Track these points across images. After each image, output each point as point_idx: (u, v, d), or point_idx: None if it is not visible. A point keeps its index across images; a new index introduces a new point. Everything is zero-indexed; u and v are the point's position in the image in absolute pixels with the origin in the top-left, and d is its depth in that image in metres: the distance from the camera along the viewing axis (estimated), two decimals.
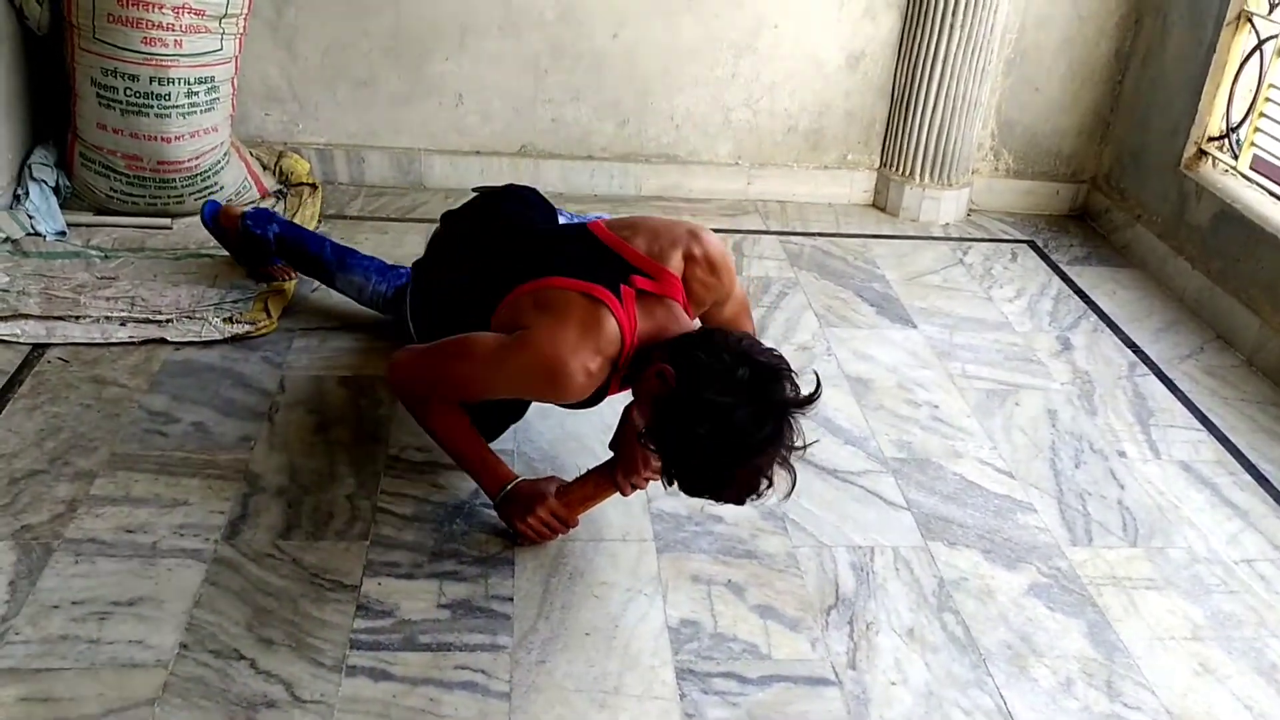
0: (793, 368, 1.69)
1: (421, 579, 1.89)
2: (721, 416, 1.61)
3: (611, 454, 1.98)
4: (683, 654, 1.78)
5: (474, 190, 2.28)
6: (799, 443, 1.66)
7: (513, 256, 1.96)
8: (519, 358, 1.79)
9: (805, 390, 1.68)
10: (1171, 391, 2.64)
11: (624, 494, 1.99)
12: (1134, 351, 2.82)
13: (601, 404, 1.97)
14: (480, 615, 1.82)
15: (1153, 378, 2.70)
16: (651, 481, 1.99)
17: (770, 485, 1.67)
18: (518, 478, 1.97)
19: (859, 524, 2.11)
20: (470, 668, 1.72)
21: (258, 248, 2.62)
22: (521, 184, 2.31)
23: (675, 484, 1.72)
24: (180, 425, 2.21)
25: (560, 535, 1.98)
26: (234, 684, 1.65)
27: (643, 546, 2.01)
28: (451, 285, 2.10)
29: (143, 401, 2.27)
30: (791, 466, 1.68)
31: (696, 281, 1.95)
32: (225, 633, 1.73)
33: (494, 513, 1.99)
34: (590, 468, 2.02)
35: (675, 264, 1.92)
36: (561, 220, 2.23)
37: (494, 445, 2.00)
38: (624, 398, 2.07)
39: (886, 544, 2.06)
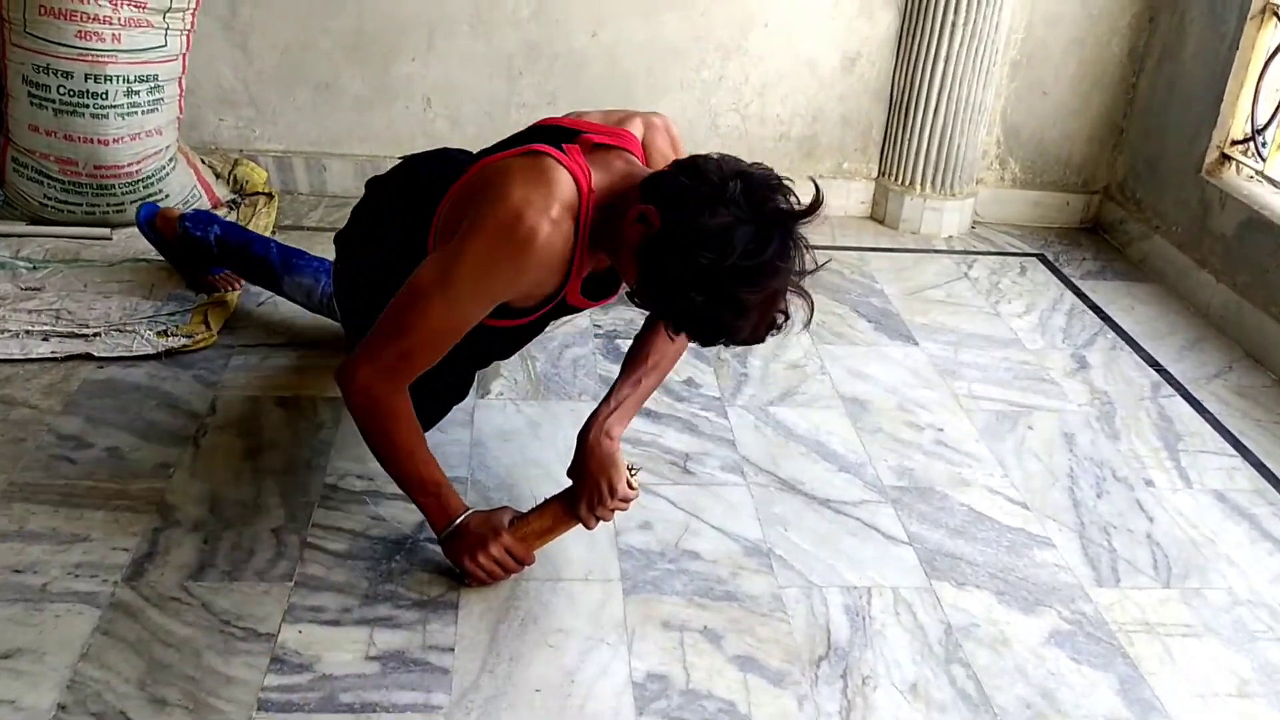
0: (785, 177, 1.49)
1: (349, 626, 1.64)
2: (721, 240, 1.40)
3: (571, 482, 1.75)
4: (648, 714, 1.53)
5: (401, 159, 2.04)
6: (810, 263, 1.47)
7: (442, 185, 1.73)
8: (473, 247, 1.53)
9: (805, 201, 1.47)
10: (1199, 414, 2.40)
11: (588, 527, 1.75)
12: (1156, 370, 2.57)
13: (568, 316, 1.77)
14: (414, 669, 1.57)
15: (1178, 398, 2.46)
16: (619, 511, 1.76)
17: (787, 316, 1.48)
18: (469, 510, 1.72)
19: (854, 561, 1.86)
20: None
21: (198, 252, 2.39)
22: (456, 147, 2.06)
23: (683, 336, 1.52)
24: (92, 451, 1.97)
25: (513, 575, 1.74)
26: None
27: (607, 587, 1.76)
28: (379, 250, 1.86)
29: (54, 424, 2.03)
30: (806, 291, 1.48)
31: (657, 151, 1.73)
32: (112, 691, 1.48)
33: (439, 549, 1.74)
34: (549, 495, 1.79)
35: (634, 128, 1.70)
36: None
37: (446, 471, 1.74)
38: (584, 412, 1.82)
39: (885, 584, 1.81)
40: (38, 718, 1.43)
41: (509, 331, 1.74)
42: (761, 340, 1.51)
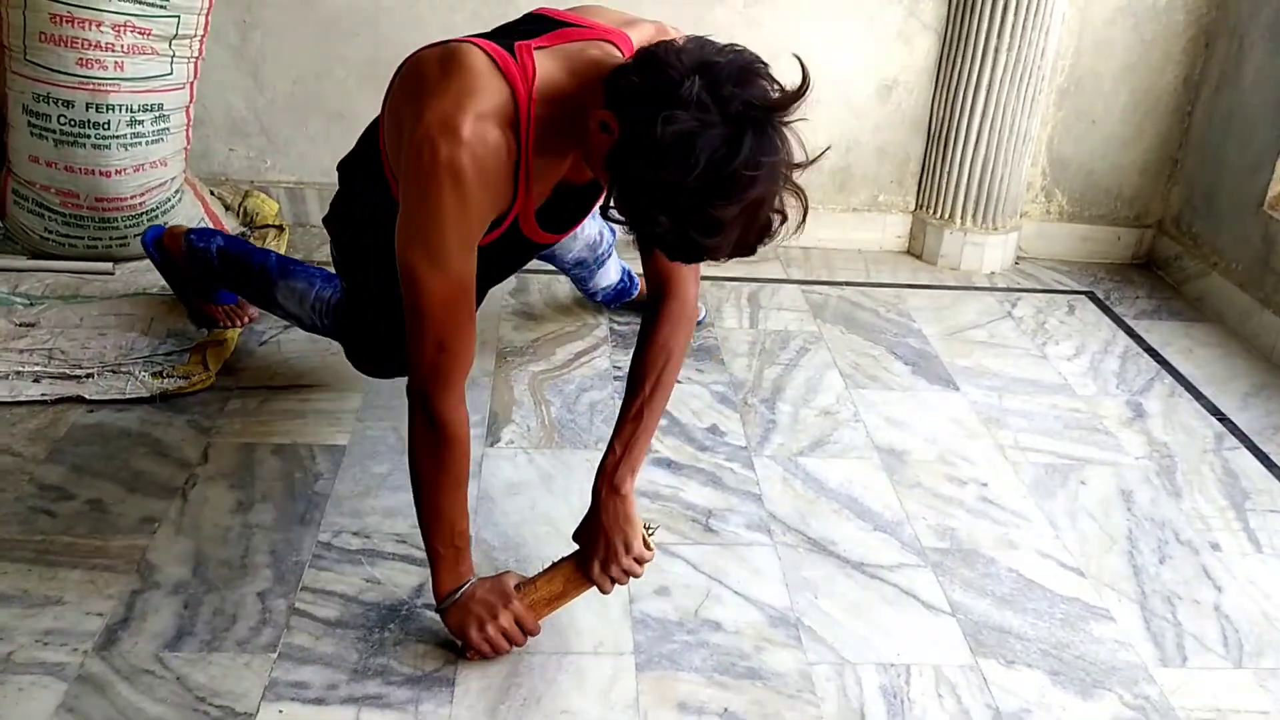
0: (764, 60, 1.28)
1: (334, 705, 1.49)
2: (680, 151, 1.20)
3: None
4: None
5: None
6: (800, 154, 1.26)
7: None
8: (414, 198, 1.38)
9: (789, 86, 1.25)
10: (1268, 468, 2.21)
11: (603, 590, 1.61)
12: (1219, 420, 2.39)
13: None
14: None
15: (1244, 451, 2.27)
16: (633, 577, 1.61)
17: (784, 219, 1.28)
18: (475, 577, 1.58)
19: (891, 634, 1.69)
20: None
21: (200, 267, 2.27)
22: None
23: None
24: (74, 503, 1.85)
25: (518, 647, 1.59)
26: None
27: (619, 662, 1.60)
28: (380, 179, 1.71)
29: (36, 473, 1.91)
30: (798, 187, 1.28)
31: None
32: None
33: (438, 616, 1.60)
34: (559, 557, 1.64)
35: (638, 31, 1.51)
36: None
37: None
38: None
39: (926, 661, 1.64)
40: None
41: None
42: (753, 251, 1.31)
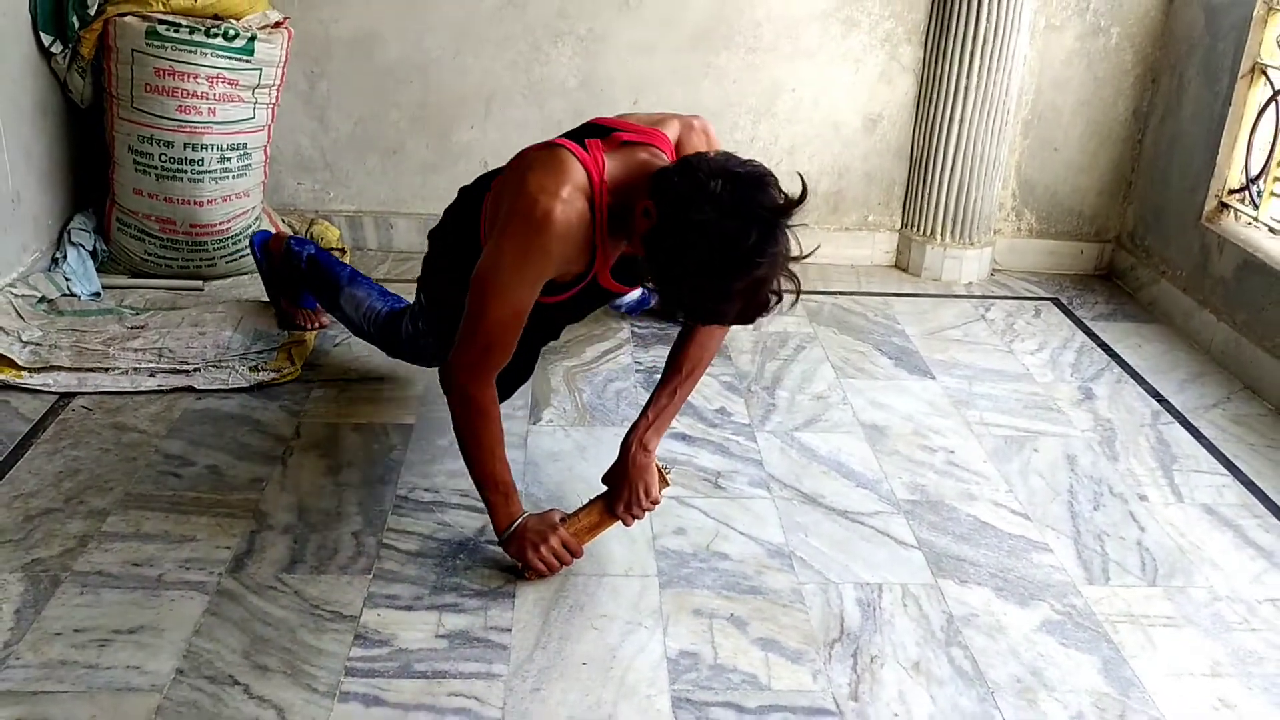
0: (776, 175, 1.66)
1: (421, 610, 1.88)
2: (704, 234, 1.59)
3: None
4: (680, 684, 1.75)
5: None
6: (795, 250, 1.64)
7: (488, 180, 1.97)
8: (505, 239, 1.77)
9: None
10: (1196, 439, 2.59)
11: (626, 524, 2.03)
12: (1158, 401, 2.77)
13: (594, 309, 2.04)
14: (478, 645, 1.81)
15: (1177, 426, 2.65)
16: (649, 513, 2.03)
17: (779, 299, 1.66)
18: (525, 513, 1.98)
19: (868, 562, 2.08)
20: (464, 694, 1.70)
21: (292, 267, 2.67)
22: None
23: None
24: (195, 468, 2.25)
25: (566, 566, 1.98)
26: (226, 708, 1.65)
27: (645, 581, 1.99)
28: (466, 240, 2.08)
29: (160, 446, 2.32)
30: (794, 275, 1.66)
31: (692, 150, 1.89)
32: (222, 659, 1.74)
33: (498, 549, 1.99)
34: (592, 497, 2.05)
35: (669, 129, 1.92)
36: None
37: None
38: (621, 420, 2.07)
39: (895, 581, 2.03)
40: (160, 679, 1.69)
41: (555, 308, 1.96)
42: (751, 321, 1.70)
